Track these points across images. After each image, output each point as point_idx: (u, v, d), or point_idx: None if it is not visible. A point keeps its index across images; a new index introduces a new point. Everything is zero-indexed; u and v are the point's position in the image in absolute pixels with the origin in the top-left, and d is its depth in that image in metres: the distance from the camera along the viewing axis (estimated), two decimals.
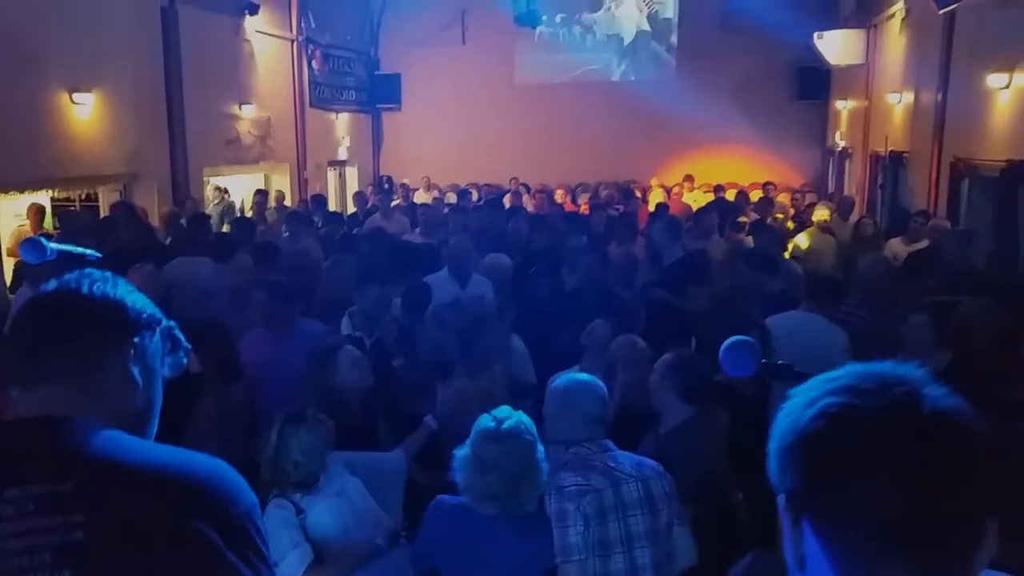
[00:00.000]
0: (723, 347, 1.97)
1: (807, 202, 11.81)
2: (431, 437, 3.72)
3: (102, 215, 9.18)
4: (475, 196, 12.47)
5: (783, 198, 12.39)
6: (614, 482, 2.75)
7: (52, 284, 1.30)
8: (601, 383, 3.02)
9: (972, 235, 6.96)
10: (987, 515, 0.81)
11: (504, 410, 2.77)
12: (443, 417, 3.79)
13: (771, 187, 12.37)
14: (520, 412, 2.79)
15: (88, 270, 1.33)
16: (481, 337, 4.30)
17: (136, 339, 1.29)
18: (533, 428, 2.75)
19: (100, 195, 10.03)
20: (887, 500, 0.78)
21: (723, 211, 8.91)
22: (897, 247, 7.63)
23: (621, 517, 2.72)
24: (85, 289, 1.28)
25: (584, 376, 3.10)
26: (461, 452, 2.72)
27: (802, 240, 8.45)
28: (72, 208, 9.56)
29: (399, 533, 3.01)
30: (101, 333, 1.26)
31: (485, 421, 2.73)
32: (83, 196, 10.01)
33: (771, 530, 0.95)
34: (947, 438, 0.81)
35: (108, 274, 1.34)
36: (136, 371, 1.27)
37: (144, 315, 1.32)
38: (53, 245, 1.94)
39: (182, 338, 1.39)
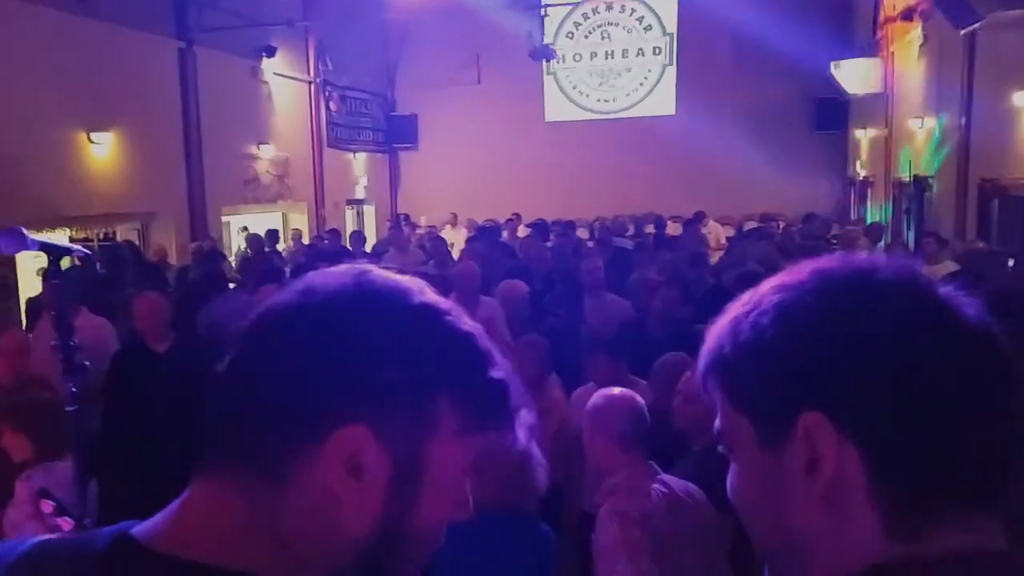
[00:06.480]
0: None
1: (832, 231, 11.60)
2: None
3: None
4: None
5: None
6: (672, 512, 2.49)
7: None
8: (638, 397, 2.77)
9: (1004, 256, 6.75)
10: None
11: None
12: None
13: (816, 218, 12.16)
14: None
15: None
16: None
17: None
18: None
19: (118, 234, 10.04)
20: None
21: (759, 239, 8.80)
22: None
23: (679, 550, 2.47)
24: None
25: (618, 391, 2.83)
26: None
27: None
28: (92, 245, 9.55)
29: None
30: None
31: None
32: (101, 235, 10.03)
33: None
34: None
35: None
36: None
37: None
38: (35, 237, 1.84)
39: None
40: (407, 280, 0.75)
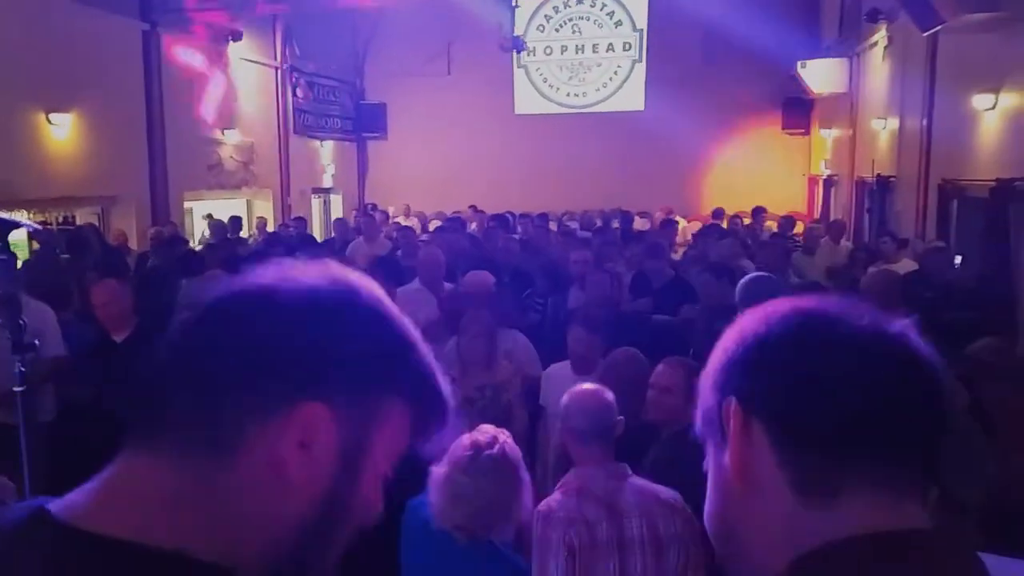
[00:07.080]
0: None
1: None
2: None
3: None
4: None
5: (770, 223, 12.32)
6: (612, 516, 2.46)
7: None
8: (607, 392, 2.74)
9: (949, 252, 6.92)
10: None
11: (488, 430, 2.50)
12: None
13: (763, 213, 12.29)
14: (505, 434, 2.52)
15: None
16: None
17: None
18: (517, 454, 2.48)
19: (77, 217, 9.85)
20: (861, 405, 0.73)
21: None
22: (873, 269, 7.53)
23: (617, 556, 2.44)
24: None
25: (587, 387, 2.81)
26: (437, 469, 2.41)
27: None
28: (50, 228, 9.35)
29: None
30: None
31: (462, 447, 2.41)
32: (60, 219, 9.82)
33: None
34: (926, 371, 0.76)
35: None
36: None
37: None
38: None
39: None
40: (373, 286, 0.79)
